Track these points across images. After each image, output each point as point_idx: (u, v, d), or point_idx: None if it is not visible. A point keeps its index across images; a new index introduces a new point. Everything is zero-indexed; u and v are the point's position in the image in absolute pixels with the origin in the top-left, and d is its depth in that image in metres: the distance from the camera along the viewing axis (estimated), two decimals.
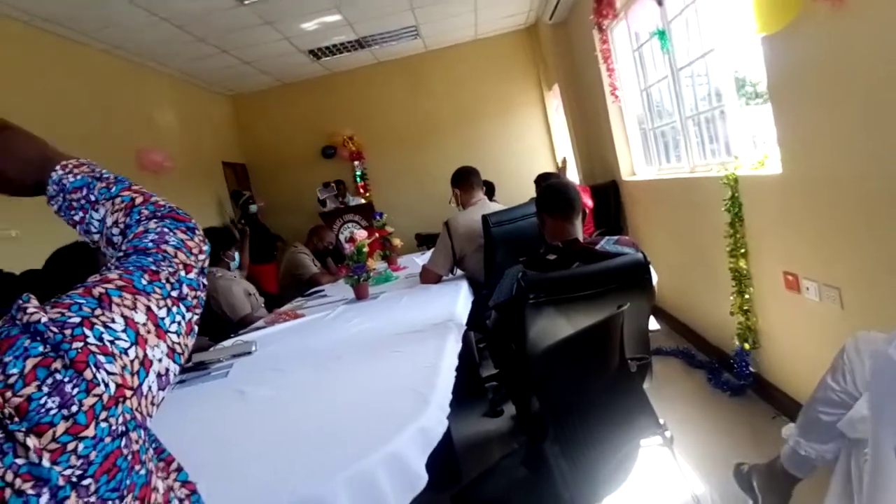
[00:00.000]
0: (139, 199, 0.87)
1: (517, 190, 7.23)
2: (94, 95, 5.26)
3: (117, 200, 0.87)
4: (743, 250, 2.97)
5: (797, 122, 2.37)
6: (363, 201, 8.31)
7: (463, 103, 8.37)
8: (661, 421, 2.20)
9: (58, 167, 0.90)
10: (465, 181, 3.81)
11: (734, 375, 3.18)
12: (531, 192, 6.61)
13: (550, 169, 7.88)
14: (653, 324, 2.48)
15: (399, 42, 7.54)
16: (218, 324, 3.70)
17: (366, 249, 3.65)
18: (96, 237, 0.88)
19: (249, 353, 2.64)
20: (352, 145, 8.51)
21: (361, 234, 3.74)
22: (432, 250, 3.86)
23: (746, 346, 3.06)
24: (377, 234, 4.79)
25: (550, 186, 2.40)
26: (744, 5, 2.29)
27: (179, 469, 0.82)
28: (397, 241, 4.95)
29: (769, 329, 2.96)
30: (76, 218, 0.89)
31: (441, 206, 5.65)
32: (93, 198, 0.88)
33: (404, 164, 8.48)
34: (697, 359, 3.74)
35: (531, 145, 8.43)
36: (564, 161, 7.18)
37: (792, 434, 1.88)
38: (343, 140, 8.47)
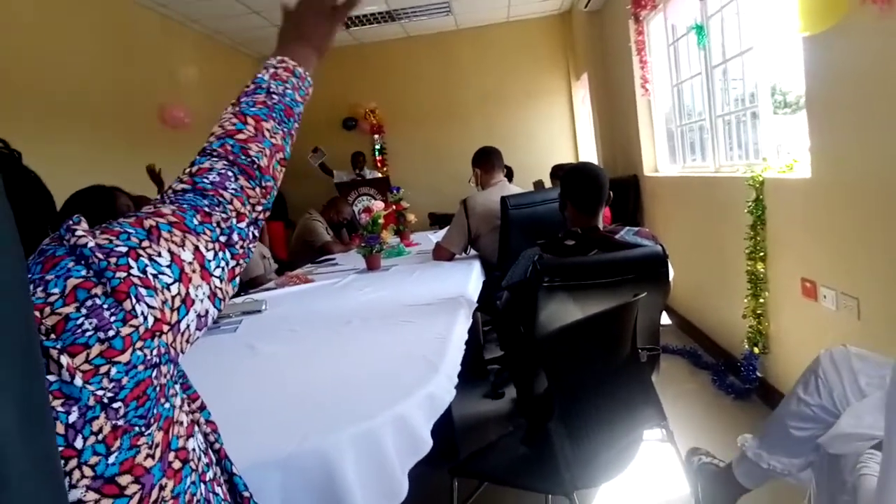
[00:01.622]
0: (242, 136, 0.84)
1: (536, 176, 7.19)
2: (119, 46, 5.24)
3: (234, 120, 0.85)
4: (762, 253, 2.93)
5: (832, 126, 2.33)
6: (379, 175, 8.28)
7: (489, 85, 8.32)
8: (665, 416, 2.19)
9: (277, 57, 0.93)
10: (487, 161, 3.78)
11: (740, 379, 3.17)
12: (548, 180, 6.57)
13: (570, 159, 7.84)
14: (664, 319, 2.45)
15: (431, 17, 7.48)
16: None
17: (381, 221, 3.65)
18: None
19: (259, 311, 2.65)
20: (373, 118, 8.49)
21: (378, 205, 3.73)
22: (447, 228, 3.85)
23: (756, 350, 3.04)
24: (393, 208, 4.78)
25: (582, 175, 2.29)
26: (789, 4, 2.25)
27: (203, 407, 0.83)
28: (412, 217, 4.94)
29: (781, 335, 2.93)
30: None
31: (457, 187, 5.62)
32: (241, 98, 0.88)
33: (424, 142, 8.45)
34: (704, 359, 3.72)
35: (554, 133, 8.37)
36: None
37: (751, 446, 1.85)
38: (365, 112, 8.45)
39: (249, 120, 0.85)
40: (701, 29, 3.80)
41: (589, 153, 7.54)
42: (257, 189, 0.83)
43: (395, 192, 4.85)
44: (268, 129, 0.86)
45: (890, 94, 1.97)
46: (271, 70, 0.91)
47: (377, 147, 8.63)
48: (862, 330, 2.21)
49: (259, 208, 0.83)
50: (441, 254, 3.66)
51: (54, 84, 4.33)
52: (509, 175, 5.77)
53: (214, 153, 0.82)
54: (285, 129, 0.90)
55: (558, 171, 6.14)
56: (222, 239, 0.76)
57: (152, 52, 5.77)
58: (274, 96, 0.89)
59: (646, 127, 5.29)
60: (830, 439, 1.57)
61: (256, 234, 0.83)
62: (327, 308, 2.66)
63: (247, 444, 1.20)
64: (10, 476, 0.39)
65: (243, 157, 0.83)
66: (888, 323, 2.09)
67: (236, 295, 3.16)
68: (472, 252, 3.71)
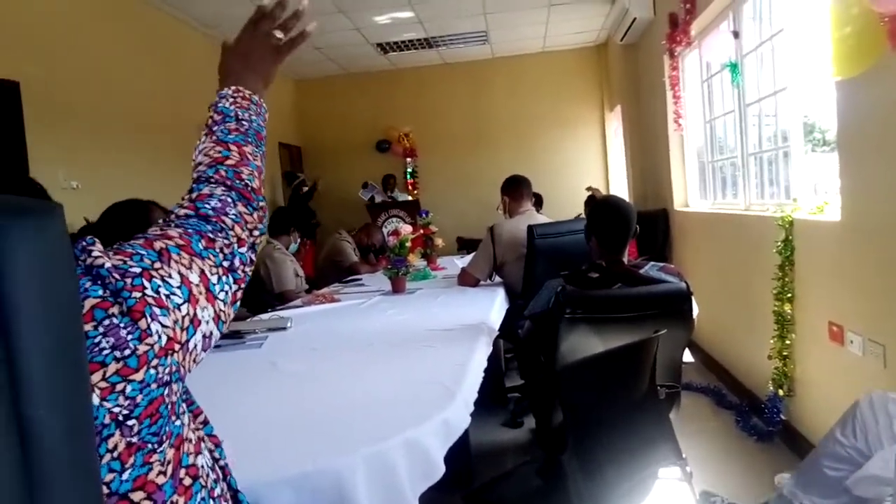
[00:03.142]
0: (231, 161, 0.88)
1: (566, 206, 7.20)
2: (163, 63, 5.44)
3: (218, 148, 0.89)
4: (790, 295, 2.90)
5: (863, 170, 2.31)
6: (409, 198, 8.36)
7: (522, 114, 8.38)
8: (683, 455, 2.17)
9: (233, 87, 0.95)
10: (516, 190, 3.81)
11: (763, 421, 3.11)
12: (579, 209, 6.56)
13: (601, 190, 7.80)
14: (687, 356, 2.44)
15: (467, 45, 7.60)
16: (258, 292, 3.83)
17: (408, 244, 3.69)
18: (192, 163, 0.91)
19: (284, 328, 2.69)
20: (406, 142, 8.60)
21: (406, 229, 3.79)
22: (473, 254, 3.88)
23: (780, 392, 2.99)
24: (421, 232, 4.83)
25: (609, 211, 2.29)
26: (822, 47, 2.26)
27: (206, 422, 0.84)
28: (439, 241, 4.98)
29: (806, 378, 2.88)
30: (201, 135, 0.93)
31: (486, 213, 5.67)
32: (214, 129, 0.91)
33: (456, 167, 8.53)
34: (727, 399, 3.66)
35: (585, 164, 8.39)
36: (594, 192, 6.92)
37: (787, 485, 1.85)
38: (399, 136, 8.57)
39: (231, 146, 0.89)
40: (735, 67, 3.80)
41: (620, 185, 7.53)
42: (255, 214, 0.87)
43: (424, 215, 4.90)
44: (249, 153, 0.91)
45: None
46: (230, 99, 0.94)
47: (409, 170, 8.74)
48: (888, 377, 2.17)
49: (256, 233, 0.87)
50: (466, 280, 3.69)
51: (93, 92, 4.51)
52: (538, 203, 5.78)
53: (211, 179, 0.86)
54: (261, 152, 0.94)
55: (591, 202, 6.13)
56: (225, 264, 0.79)
57: (199, 71, 5.96)
58: (244, 123, 0.93)
59: (677, 161, 5.28)
60: (857, 481, 1.56)
61: (254, 258, 0.86)
62: (351, 329, 2.70)
63: (261, 461, 1.23)
64: (54, 477, 0.42)
65: (238, 182, 0.87)
66: None
67: (263, 311, 3.22)
68: (497, 279, 3.72)
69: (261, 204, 0.89)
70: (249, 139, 0.92)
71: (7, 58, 3.68)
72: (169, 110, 5.29)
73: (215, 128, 0.91)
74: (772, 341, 3.04)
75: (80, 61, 4.34)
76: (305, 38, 1.02)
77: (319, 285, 4.44)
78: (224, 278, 0.78)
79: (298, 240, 4.52)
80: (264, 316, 3.02)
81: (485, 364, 2.03)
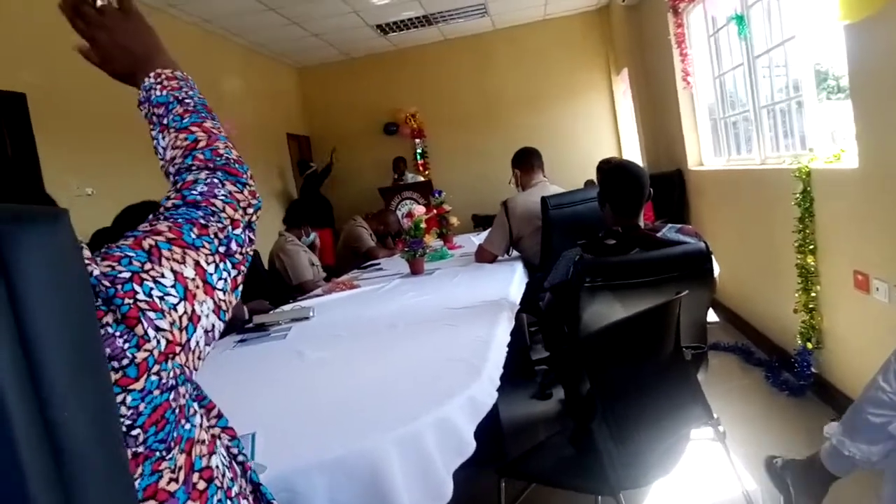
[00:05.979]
0: (202, 143, 0.84)
1: (579, 174, 7.14)
2: None
3: (181, 136, 0.85)
4: (812, 246, 2.86)
5: (878, 115, 2.26)
6: (421, 179, 8.34)
7: (528, 84, 8.30)
8: (715, 415, 2.16)
9: (152, 74, 0.89)
10: (526, 162, 3.79)
11: (794, 375, 3.09)
12: (593, 177, 6.49)
13: (614, 155, 7.73)
14: (712, 316, 2.42)
15: (467, 20, 7.51)
16: (277, 285, 3.86)
17: (423, 225, 3.69)
18: (160, 162, 0.87)
19: (307, 318, 2.71)
20: (414, 123, 8.57)
21: (420, 210, 3.78)
22: (489, 230, 3.87)
23: (809, 345, 2.96)
24: (435, 212, 4.81)
25: (621, 176, 2.26)
26: None
27: (220, 416, 0.82)
28: (454, 220, 4.96)
29: (834, 329, 2.85)
30: (152, 133, 0.88)
31: (499, 188, 5.63)
32: (166, 122, 0.86)
33: (465, 144, 8.49)
34: (756, 356, 3.64)
35: (595, 130, 8.31)
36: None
37: (835, 433, 1.84)
38: (406, 117, 8.54)
39: (193, 128, 0.85)
40: (741, 19, 3.72)
41: (632, 149, 7.45)
42: (245, 191, 0.83)
43: (437, 195, 4.88)
44: (213, 128, 0.87)
45: None
46: (158, 87, 0.88)
47: (419, 151, 8.71)
48: None
49: (251, 211, 0.83)
50: (483, 256, 3.68)
51: (99, 96, 4.51)
52: None
53: (192, 167, 0.83)
54: (218, 124, 0.90)
55: (603, 167, 6.05)
56: (221, 250, 0.76)
57: (196, 67, 5.95)
58: (188, 101, 0.88)
59: (688, 120, 5.21)
60: None
61: (253, 237, 0.82)
62: (373, 313, 2.71)
63: (294, 449, 1.25)
64: (87, 480, 0.43)
65: (218, 159, 0.84)
66: None
67: (284, 302, 3.25)
68: (515, 253, 3.71)
69: (248, 174, 0.85)
70: (203, 114, 0.88)
71: (12, 70, 3.70)
72: None
73: (165, 120, 0.86)
74: (797, 294, 3.01)
75: (82, 69, 4.34)
76: None
77: (339, 273, 4.46)
78: (222, 265, 0.75)
79: (311, 233, 4.53)
80: (286, 307, 3.04)
81: (508, 339, 2.03)
